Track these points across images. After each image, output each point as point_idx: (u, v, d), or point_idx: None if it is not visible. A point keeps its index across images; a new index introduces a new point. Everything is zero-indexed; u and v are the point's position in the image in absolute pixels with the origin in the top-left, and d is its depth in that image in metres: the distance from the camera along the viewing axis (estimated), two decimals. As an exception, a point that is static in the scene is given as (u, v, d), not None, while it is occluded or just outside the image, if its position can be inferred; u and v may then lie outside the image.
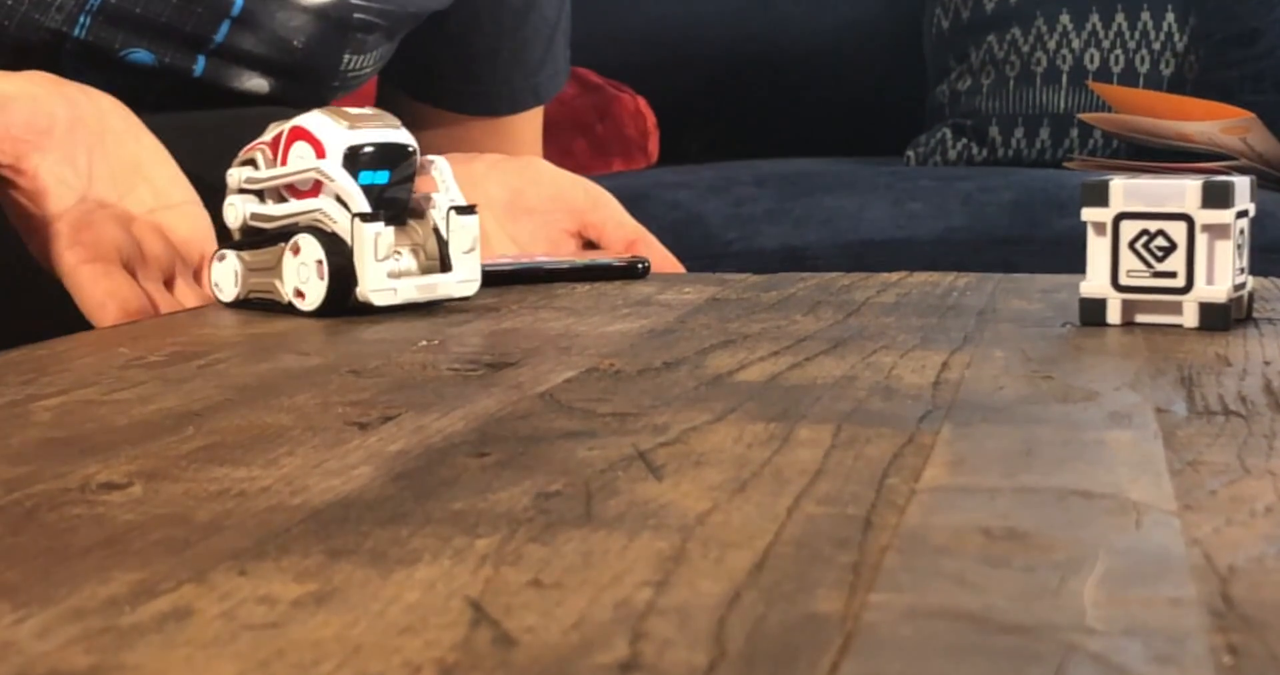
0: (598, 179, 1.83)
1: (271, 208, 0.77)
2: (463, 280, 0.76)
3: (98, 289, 0.76)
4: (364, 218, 0.72)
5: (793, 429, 0.46)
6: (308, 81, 1.05)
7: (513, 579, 0.31)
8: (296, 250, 0.74)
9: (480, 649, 0.27)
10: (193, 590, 0.31)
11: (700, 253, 1.65)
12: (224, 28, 1.00)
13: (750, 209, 1.71)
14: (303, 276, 0.74)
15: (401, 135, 0.76)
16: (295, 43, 1.03)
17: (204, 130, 1.00)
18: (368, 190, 0.73)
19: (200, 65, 1.02)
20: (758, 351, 0.62)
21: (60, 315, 0.78)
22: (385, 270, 0.73)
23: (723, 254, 1.66)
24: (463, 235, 0.76)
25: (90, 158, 0.79)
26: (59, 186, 0.77)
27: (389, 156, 0.74)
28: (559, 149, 2.01)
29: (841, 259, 1.62)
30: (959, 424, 0.47)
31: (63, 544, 0.35)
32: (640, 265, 0.92)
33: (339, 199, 0.74)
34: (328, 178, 0.73)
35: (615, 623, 0.29)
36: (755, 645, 0.27)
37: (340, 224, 0.73)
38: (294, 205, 0.75)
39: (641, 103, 2.20)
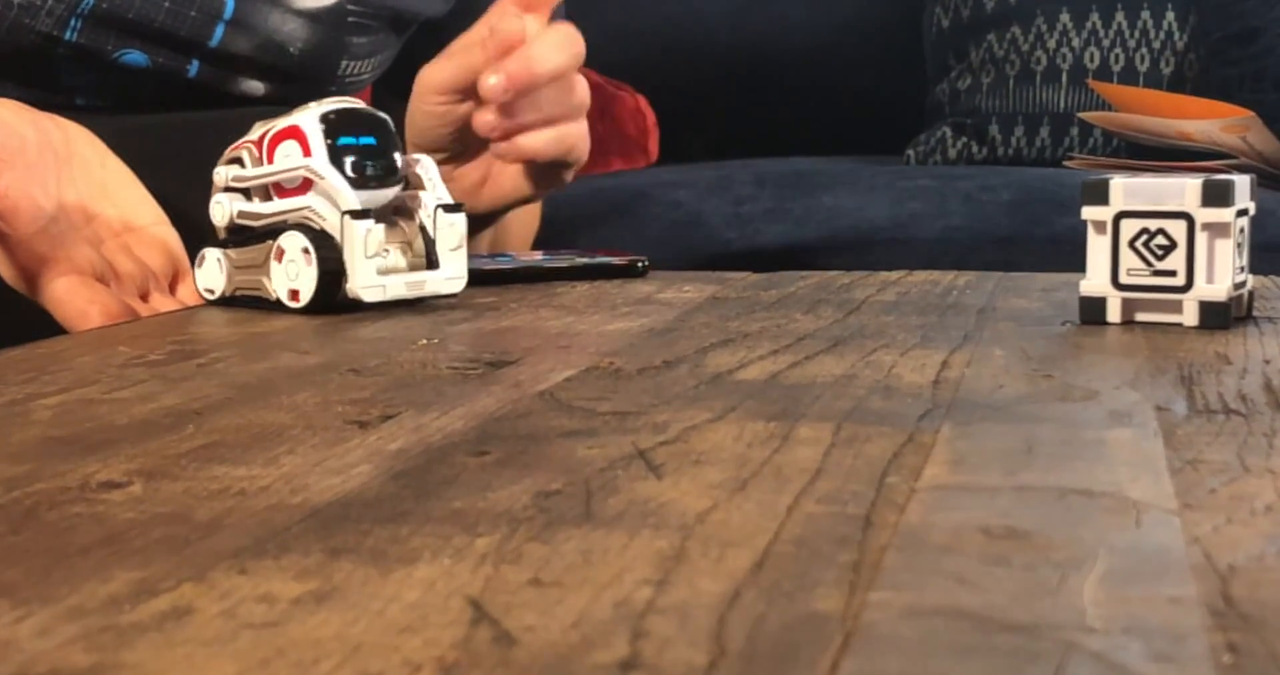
0: (598, 178, 1.83)
1: (259, 206, 0.77)
2: (450, 277, 0.77)
3: (78, 298, 0.76)
4: (354, 215, 0.73)
5: (793, 427, 0.46)
6: (304, 85, 1.05)
7: (513, 578, 0.31)
8: (280, 255, 0.75)
9: (480, 648, 0.27)
10: (193, 589, 0.31)
11: (700, 252, 1.65)
12: (218, 31, 1.00)
13: (750, 208, 1.71)
14: (292, 274, 0.75)
15: (368, 108, 0.76)
16: (290, 47, 1.03)
17: (203, 129, 1.00)
18: (359, 152, 0.74)
19: (194, 67, 1.02)
20: (758, 350, 0.62)
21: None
22: (374, 267, 0.74)
23: (722, 253, 1.66)
24: (450, 233, 0.77)
25: (59, 182, 0.80)
26: (31, 206, 0.77)
27: (363, 118, 0.75)
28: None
29: (841, 258, 1.62)
30: (959, 422, 0.47)
31: (63, 543, 0.35)
32: (639, 264, 0.92)
33: (329, 198, 0.74)
34: (317, 176, 0.74)
35: (615, 621, 0.29)
36: (755, 644, 0.27)
37: (329, 221, 0.74)
38: (282, 203, 0.76)
39: (641, 101, 2.20)
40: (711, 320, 0.72)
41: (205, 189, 0.80)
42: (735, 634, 0.28)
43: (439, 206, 0.77)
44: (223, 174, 0.79)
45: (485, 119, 0.89)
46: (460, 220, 0.77)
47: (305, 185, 0.75)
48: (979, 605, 0.29)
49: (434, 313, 0.75)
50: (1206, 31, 2.04)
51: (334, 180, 0.73)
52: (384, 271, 0.75)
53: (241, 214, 0.78)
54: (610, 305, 0.78)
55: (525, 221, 1.17)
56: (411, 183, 0.78)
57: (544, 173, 0.93)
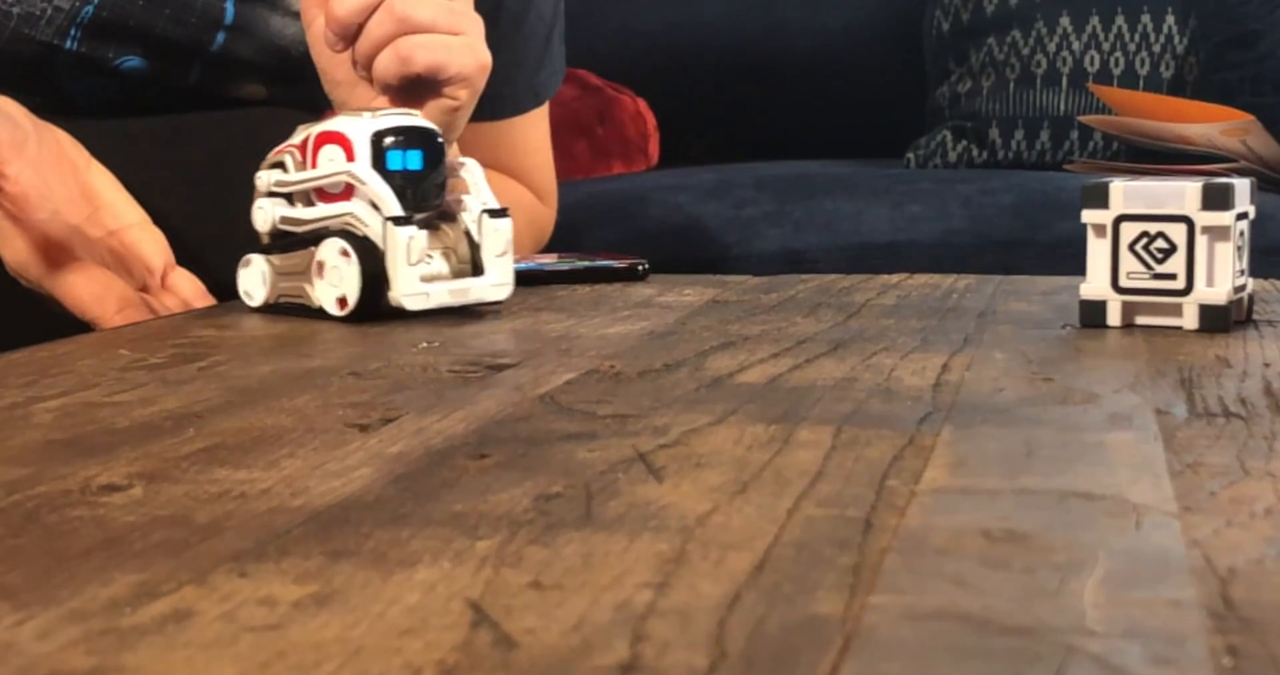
0: (598, 182, 1.82)
1: (301, 211, 0.76)
2: (495, 284, 0.75)
3: (94, 284, 0.77)
4: (396, 221, 0.72)
5: (793, 431, 0.46)
6: (306, 88, 1.05)
7: (513, 580, 0.31)
8: (321, 268, 0.74)
9: (481, 650, 0.27)
10: (193, 592, 0.31)
11: (700, 255, 1.65)
12: (219, 37, 1.01)
13: (750, 212, 1.71)
14: (334, 280, 0.73)
15: (424, 121, 0.75)
16: (292, 51, 1.03)
17: (204, 131, 1.00)
18: (404, 177, 0.73)
19: (196, 72, 1.02)
20: (758, 353, 0.62)
21: (52, 319, 0.78)
22: (418, 274, 0.72)
23: (722, 257, 1.66)
24: (496, 238, 0.75)
25: (50, 181, 0.80)
26: (38, 193, 0.77)
27: (415, 137, 0.74)
28: (560, 150, 2.01)
29: (841, 262, 1.62)
30: (959, 426, 0.47)
31: (64, 545, 0.35)
32: (640, 267, 0.92)
33: (371, 203, 0.73)
34: (359, 181, 0.73)
35: (615, 624, 0.29)
36: (755, 647, 0.27)
37: (372, 228, 0.72)
38: (325, 209, 0.75)
39: (642, 105, 2.20)
40: (712, 323, 0.72)
41: (199, 190, 0.80)
42: (735, 637, 0.28)
43: (484, 211, 0.75)
44: (265, 178, 0.77)
45: (345, 60, 0.87)
46: (506, 225, 0.75)
47: (348, 191, 0.74)
48: (979, 608, 0.29)
49: (435, 316, 0.75)
50: (1207, 35, 2.04)
51: (376, 186, 0.72)
52: (428, 278, 0.73)
53: (284, 219, 0.76)
54: (610, 308, 0.78)
55: None
56: (456, 186, 0.76)
57: (419, 94, 0.90)
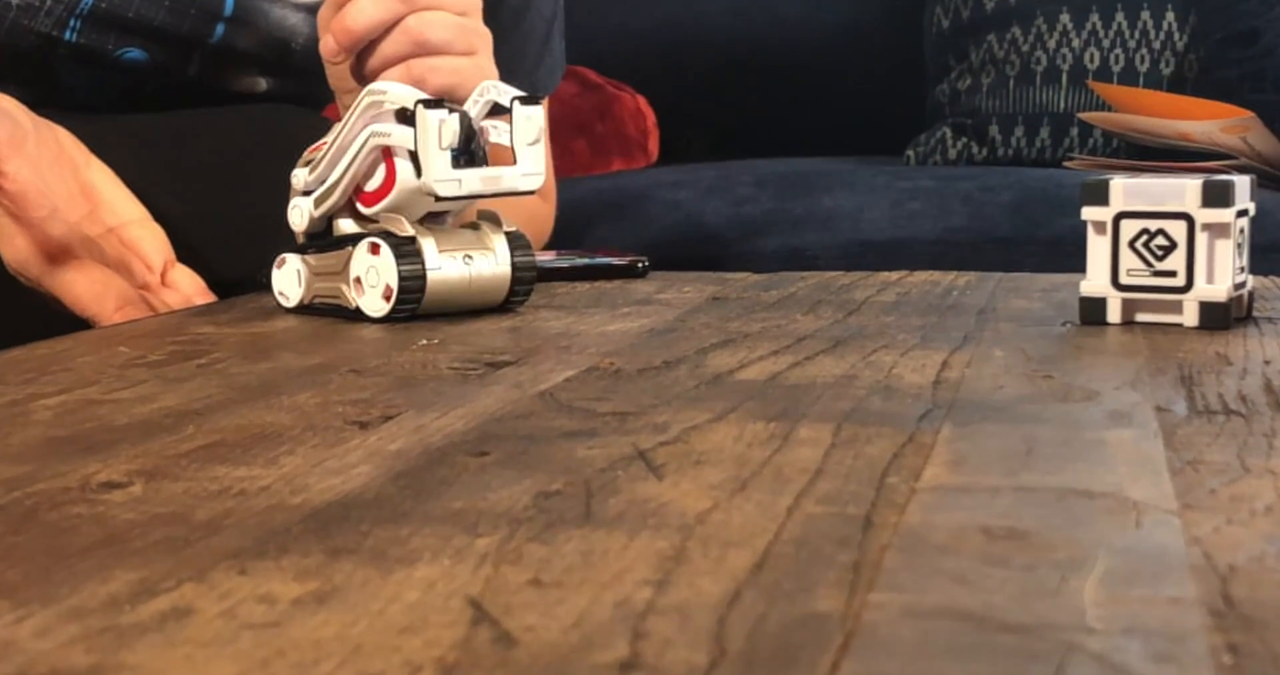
0: (598, 178, 1.81)
1: (338, 169, 0.74)
2: (527, 173, 0.73)
3: (93, 281, 0.77)
4: (426, 104, 0.70)
5: (793, 428, 0.46)
6: (306, 80, 1.05)
7: (513, 578, 0.31)
8: (359, 284, 0.72)
9: (480, 648, 0.27)
10: (193, 589, 0.31)
11: (700, 253, 1.65)
12: (219, 29, 1.01)
13: (750, 209, 1.70)
14: (373, 281, 0.72)
15: (427, 96, 0.73)
16: (293, 43, 1.03)
17: (205, 128, 1.00)
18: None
19: (196, 65, 1.02)
20: (758, 350, 0.62)
21: (51, 317, 0.78)
22: (448, 159, 0.70)
23: (722, 254, 1.65)
24: (527, 126, 0.73)
25: (49, 179, 0.80)
26: (37, 191, 0.77)
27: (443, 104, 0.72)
28: (559, 148, 2.01)
29: (841, 259, 1.62)
30: (959, 423, 0.47)
31: (63, 543, 0.35)
32: (640, 264, 0.92)
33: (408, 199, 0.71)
34: (379, 93, 0.71)
35: (615, 622, 0.29)
36: (755, 644, 0.27)
37: (398, 136, 0.70)
38: (359, 136, 0.72)
39: (641, 102, 2.20)
40: (712, 321, 0.72)
41: (199, 186, 0.80)
42: (735, 634, 0.28)
43: (515, 98, 0.73)
44: (299, 177, 0.76)
45: (342, 73, 0.87)
46: (538, 113, 0.73)
47: (387, 186, 0.72)
48: (979, 606, 0.29)
49: (434, 313, 0.75)
50: (1207, 32, 2.04)
51: (396, 89, 0.71)
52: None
53: (322, 196, 0.75)
54: (610, 305, 0.78)
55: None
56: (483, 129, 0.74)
57: None
